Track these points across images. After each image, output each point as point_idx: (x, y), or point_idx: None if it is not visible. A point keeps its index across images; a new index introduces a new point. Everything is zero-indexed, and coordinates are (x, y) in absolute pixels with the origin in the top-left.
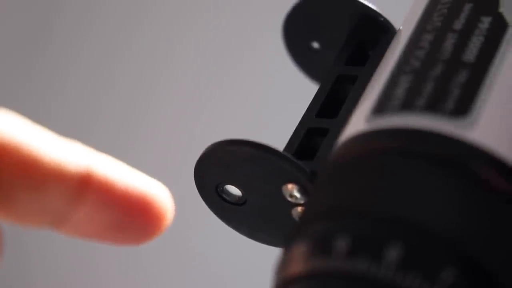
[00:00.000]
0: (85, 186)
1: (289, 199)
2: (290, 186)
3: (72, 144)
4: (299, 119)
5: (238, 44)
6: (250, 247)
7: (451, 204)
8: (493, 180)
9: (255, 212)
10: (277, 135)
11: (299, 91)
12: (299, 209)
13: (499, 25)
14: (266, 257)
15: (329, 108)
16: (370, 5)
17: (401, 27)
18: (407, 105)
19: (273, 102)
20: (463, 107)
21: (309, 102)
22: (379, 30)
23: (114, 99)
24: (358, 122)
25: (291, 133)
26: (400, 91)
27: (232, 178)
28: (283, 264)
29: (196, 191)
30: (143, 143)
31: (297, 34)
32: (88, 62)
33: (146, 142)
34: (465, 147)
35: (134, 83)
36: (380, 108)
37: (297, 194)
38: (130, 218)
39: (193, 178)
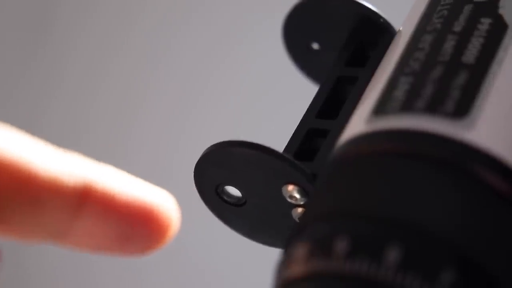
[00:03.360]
0: (84, 199)
1: (289, 200)
2: (290, 187)
3: (69, 156)
4: (299, 120)
5: (238, 43)
6: (249, 251)
7: (451, 206)
8: (492, 181)
9: (255, 213)
10: (277, 136)
11: (299, 92)
12: (299, 210)
13: (498, 27)
14: (265, 259)
15: (329, 109)
16: (370, 6)
17: (401, 28)
18: (407, 107)
19: (273, 103)
20: (463, 108)
21: (309, 103)
22: (379, 31)
23: (110, 96)
24: (358, 123)
25: (291, 134)
26: (400, 93)
27: (232, 179)
28: (283, 266)
29: (193, 193)
30: (140, 143)
31: (297, 35)
32: (83, 62)
33: (143, 142)
34: (464, 148)
35: (130, 82)
36: (380, 110)
37: (297, 195)
38: (133, 229)
39: (193, 179)
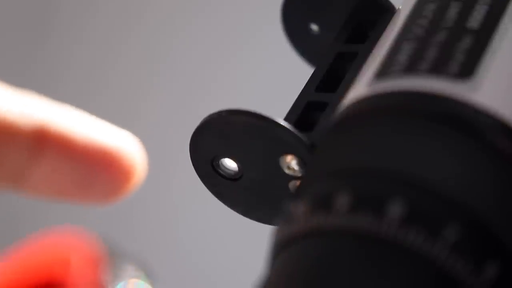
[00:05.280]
0: (41, 141)
1: (287, 171)
2: (288, 157)
3: (25, 97)
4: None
5: (238, 17)
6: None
7: (457, 163)
8: (498, 141)
9: (251, 187)
10: (275, 111)
11: (297, 69)
12: (297, 183)
13: None
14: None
15: (329, 83)
16: None
17: (400, 7)
18: (410, 69)
19: (270, 79)
20: (468, 70)
21: (307, 79)
22: (379, 10)
23: (111, 98)
24: (359, 88)
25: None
26: (403, 57)
27: (229, 150)
28: (282, 226)
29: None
30: (137, 118)
31: (295, 16)
32: (83, 63)
33: (142, 138)
34: (469, 108)
35: (131, 82)
36: (381, 73)
37: (295, 167)
38: (94, 173)
39: (187, 155)
